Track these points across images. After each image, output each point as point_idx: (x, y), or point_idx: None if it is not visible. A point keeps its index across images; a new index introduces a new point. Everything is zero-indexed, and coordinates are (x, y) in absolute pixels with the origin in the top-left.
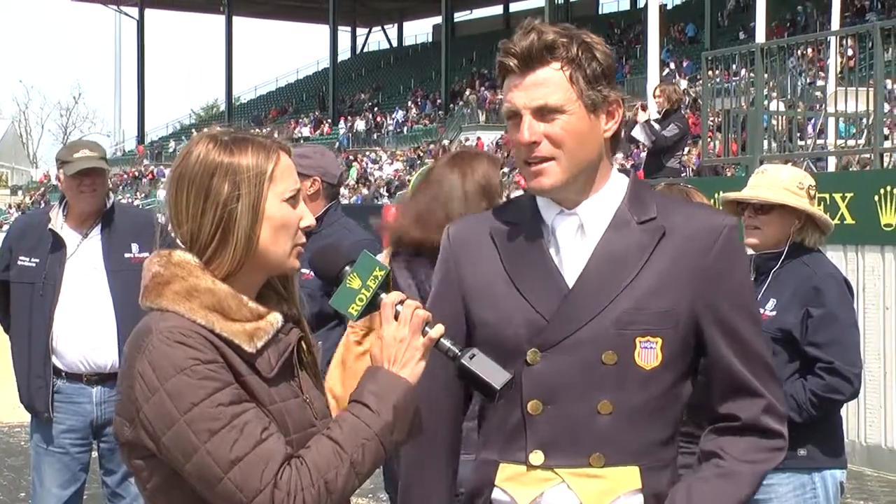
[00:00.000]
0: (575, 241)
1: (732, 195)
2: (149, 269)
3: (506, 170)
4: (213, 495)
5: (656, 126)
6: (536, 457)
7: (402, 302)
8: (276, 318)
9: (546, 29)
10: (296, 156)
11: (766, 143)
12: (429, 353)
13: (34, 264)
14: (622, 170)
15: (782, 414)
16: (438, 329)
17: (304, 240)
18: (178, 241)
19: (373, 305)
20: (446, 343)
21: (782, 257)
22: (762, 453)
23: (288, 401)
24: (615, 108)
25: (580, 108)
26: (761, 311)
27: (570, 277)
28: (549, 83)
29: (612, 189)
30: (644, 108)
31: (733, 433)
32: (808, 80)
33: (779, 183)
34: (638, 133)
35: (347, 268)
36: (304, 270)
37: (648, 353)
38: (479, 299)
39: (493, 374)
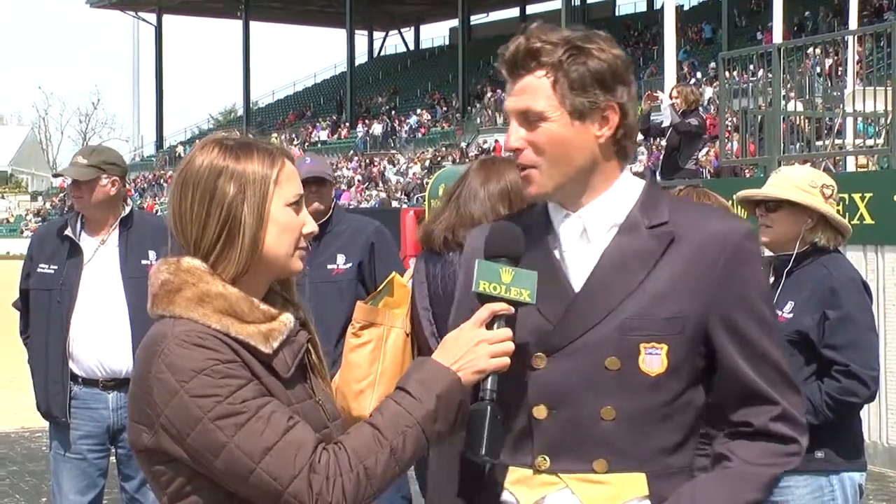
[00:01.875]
0: (580, 245)
1: (743, 193)
2: (157, 277)
3: None
4: (248, 488)
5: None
6: (542, 461)
7: (504, 317)
8: (288, 318)
9: (535, 34)
10: (325, 164)
11: (783, 143)
12: (490, 367)
13: (52, 271)
14: (638, 173)
15: (799, 421)
16: (506, 331)
17: (306, 244)
18: (180, 245)
19: (485, 298)
20: (489, 382)
21: (795, 258)
22: (774, 457)
23: (303, 402)
24: (610, 114)
25: (563, 115)
26: (778, 313)
27: (577, 282)
28: (531, 90)
29: (620, 193)
30: (654, 98)
31: (745, 437)
32: (827, 81)
33: (789, 181)
34: (665, 113)
35: (504, 259)
36: (330, 266)
37: (653, 360)
38: None
39: (492, 444)
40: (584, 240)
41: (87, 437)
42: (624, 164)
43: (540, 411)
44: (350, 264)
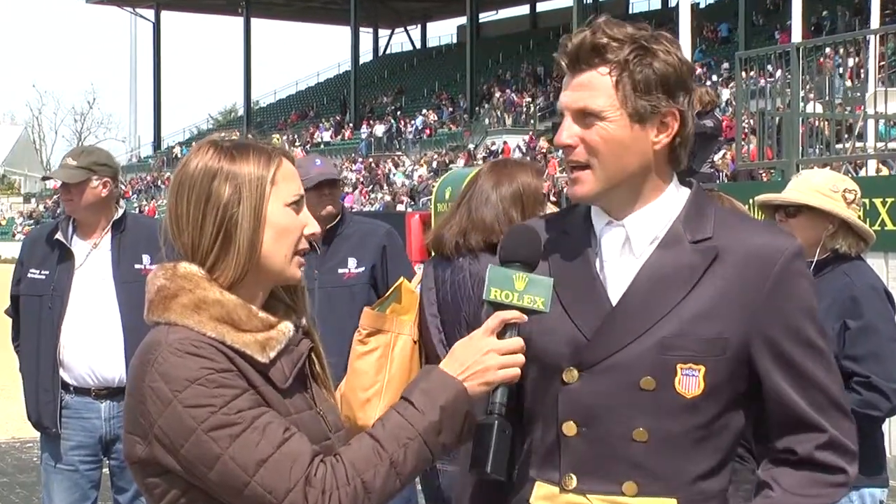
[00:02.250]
0: (622, 257)
1: (762, 197)
2: (153, 283)
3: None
4: (243, 501)
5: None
6: (570, 480)
7: (517, 326)
8: (287, 328)
9: (602, 28)
10: (330, 164)
11: (801, 146)
12: (498, 379)
13: (43, 276)
14: (685, 182)
15: (848, 449)
16: (517, 341)
17: (306, 246)
18: (178, 250)
19: (497, 306)
20: (498, 395)
21: (816, 265)
22: (818, 488)
23: (302, 413)
24: (670, 121)
25: (622, 116)
26: None
27: (615, 295)
28: (593, 87)
29: (666, 203)
30: None
31: (789, 465)
32: (847, 82)
33: (810, 186)
34: None
35: (518, 265)
36: (341, 270)
37: (690, 381)
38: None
39: (498, 459)
40: (627, 251)
41: (79, 447)
42: (674, 173)
43: (569, 428)
44: (363, 268)
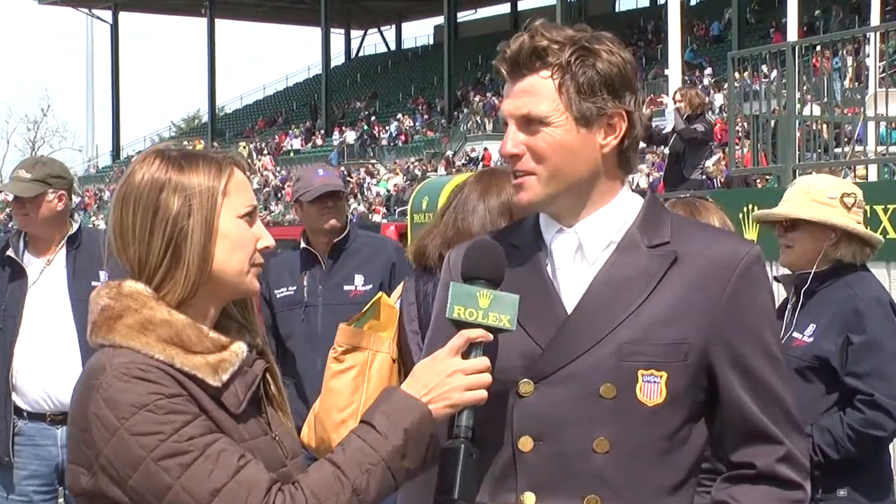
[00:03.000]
0: (575, 264)
1: (758, 214)
2: (96, 303)
3: None
4: None
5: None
6: (528, 499)
7: (483, 345)
8: (240, 348)
9: (541, 32)
10: (336, 175)
11: (798, 151)
12: (464, 401)
13: None
14: (638, 191)
15: (804, 466)
16: (483, 361)
17: (261, 260)
18: (124, 267)
19: (461, 325)
20: (464, 418)
21: (818, 275)
22: None
23: (257, 438)
24: (617, 122)
25: (568, 120)
26: (798, 336)
27: (570, 303)
28: (536, 91)
29: (619, 208)
30: (657, 103)
31: (748, 481)
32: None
33: (806, 195)
34: (669, 118)
35: (482, 282)
36: (347, 287)
37: (651, 388)
38: None
39: (466, 486)
40: (580, 257)
41: (33, 477)
42: (625, 177)
43: (525, 443)
44: (370, 285)
